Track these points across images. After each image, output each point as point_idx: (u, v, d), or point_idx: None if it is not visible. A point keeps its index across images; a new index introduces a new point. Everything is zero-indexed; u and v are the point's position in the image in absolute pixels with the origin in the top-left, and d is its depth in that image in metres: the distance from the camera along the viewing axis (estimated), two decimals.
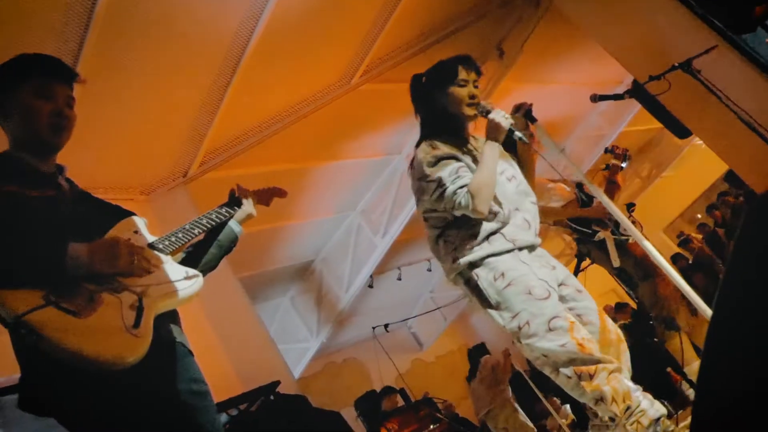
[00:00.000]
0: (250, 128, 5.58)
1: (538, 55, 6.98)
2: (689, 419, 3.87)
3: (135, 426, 1.46)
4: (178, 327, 1.74)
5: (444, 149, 2.40)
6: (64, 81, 1.76)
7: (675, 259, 9.78)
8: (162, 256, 1.69)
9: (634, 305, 10.09)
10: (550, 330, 2.17)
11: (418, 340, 11.67)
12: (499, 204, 2.37)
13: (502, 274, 2.27)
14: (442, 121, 2.53)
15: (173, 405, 1.54)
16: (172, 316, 1.71)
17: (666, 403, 5.24)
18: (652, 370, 6.23)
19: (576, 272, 6.15)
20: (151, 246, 1.70)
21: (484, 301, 2.31)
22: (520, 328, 2.22)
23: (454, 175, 2.32)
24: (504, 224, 2.35)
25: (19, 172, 1.65)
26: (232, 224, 2.05)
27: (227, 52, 4.59)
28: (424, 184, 2.40)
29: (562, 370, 2.22)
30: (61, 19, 3.59)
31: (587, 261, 6.31)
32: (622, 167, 3.88)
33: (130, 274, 1.54)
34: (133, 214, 1.82)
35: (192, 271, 1.72)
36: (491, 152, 2.34)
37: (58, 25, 3.62)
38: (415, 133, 7.71)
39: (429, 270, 10.91)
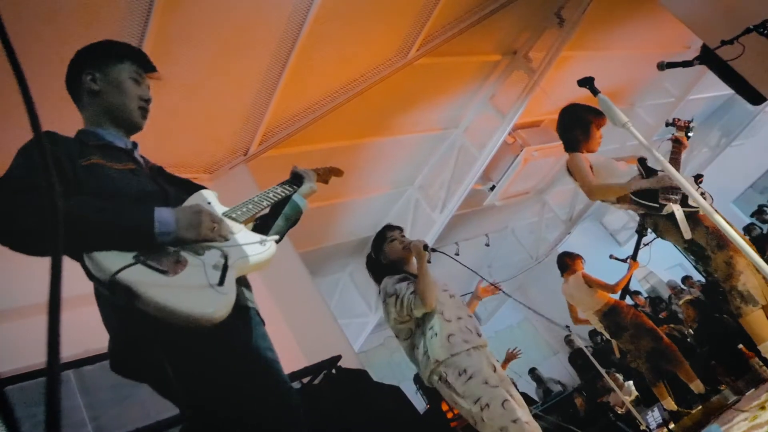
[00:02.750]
0: (309, 105, 5.62)
1: (600, 21, 6.75)
2: (763, 397, 3.74)
3: (224, 383, 1.50)
4: (251, 293, 1.80)
5: (399, 277, 3.27)
6: (148, 71, 1.92)
7: (747, 230, 9.40)
8: (236, 224, 1.77)
9: (701, 279, 9.78)
10: (505, 409, 2.81)
11: (477, 314, 11.64)
12: (448, 311, 3.11)
13: (465, 370, 2.94)
14: (393, 266, 3.36)
15: (257, 365, 1.58)
16: (244, 282, 1.77)
17: (737, 380, 5.08)
18: (724, 345, 6.05)
19: (636, 248, 6.02)
20: (225, 215, 1.78)
21: (453, 392, 2.95)
22: (482, 409, 2.84)
23: (407, 287, 3.12)
24: (455, 328, 3.04)
25: (101, 146, 1.75)
26: (297, 198, 2.14)
27: (284, 29, 4.62)
28: (389, 299, 3.16)
29: None
30: (126, 3, 3.69)
31: (649, 236, 6.14)
32: (687, 137, 3.71)
33: (211, 241, 1.60)
34: (204, 188, 1.90)
35: (266, 238, 1.80)
36: (423, 265, 3.13)
37: (122, 8, 3.72)
38: (473, 106, 7.65)
39: (487, 245, 10.82)
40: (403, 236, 3.47)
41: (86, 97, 1.83)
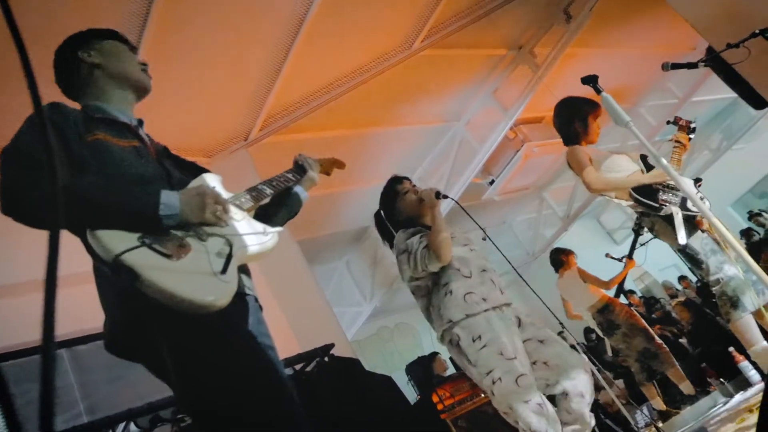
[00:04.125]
0: (311, 93, 5.60)
1: (606, 19, 6.72)
2: (751, 401, 3.76)
3: (219, 370, 1.49)
4: (250, 279, 1.78)
5: (411, 231, 2.96)
6: (131, 49, 1.96)
7: (746, 235, 9.41)
8: (239, 211, 1.76)
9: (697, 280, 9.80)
10: (518, 386, 2.53)
11: None
12: (467, 267, 2.84)
13: (479, 337, 2.66)
14: (410, 221, 3.06)
15: (253, 353, 1.56)
16: (244, 269, 1.75)
17: (726, 382, 5.12)
18: (714, 348, 6.08)
19: (632, 248, 6.04)
20: (229, 201, 1.75)
21: (464, 358, 2.71)
22: (493, 383, 2.59)
23: (419, 241, 2.83)
24: (475, 285, 2.78)
25: (106, 120, 1.74)
26: (299, 190, 2.14)
27: (289, 15, 4.60)
28: (401, 257, 2.89)
29: (521, 424, 2.52)
30: None
31: (645, 236, 6.14)
32: (688, 138, 3.72)
33: (213, 225, 1.59)
34: (208, 171, 1.89)
35: (269, 227, 1.79)
36: (437, 215, 2.89)
37: None
38: (475, 100, 7.60)
39: (484, 239, 10.83)
40: (415, 186, 3.17)
41: (85, 75, 1.82)
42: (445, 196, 3.04)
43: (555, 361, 2.71)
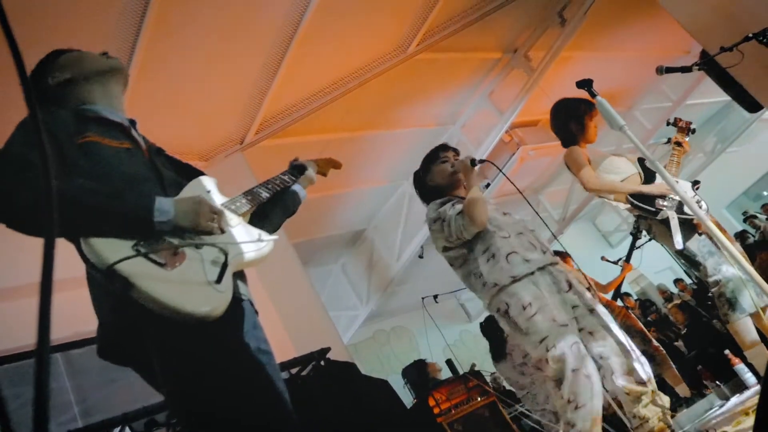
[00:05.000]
0: (306, 96, 5.60)
1: (601, 22, 6.75)
2: (747, 403, 3.77)
3: (213, 377, 1.48)
4: (246, 285, 1.77)
5: (441, 200, 2.94)
6: None
7: (741, 238, 9.42)
8: (235, 216, 1.74)
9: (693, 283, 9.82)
10: (573, 353, 2.52)
11: (467, 311, 11.67)
12: (503, 229, 2.77)
13: (530, 304, 2.61)
14: (439, 190, 3.04)
15: (247, 360, 1.55)
16: (240, 274, 1.74)
17: (722, 385, 5.13)
18: (709, 350, 6.09)
19: (630, 251, 6.04)
20: (224, 206, 1.74)
21: (514, 327, 2.66)
22: (548, 350, 2.55)
23: (452, 208, 2.80)
24: (516, 244, 2.72)
25: (97, 120, 1.73)
26: (297, 188, 2.15)
27: (285, 18, 4.60)
28: (434, 225, 2.84)
29: (566, 393, 2.51)
30: None
31: (642, 239, 6.14)
32: (685, 139, 3.73)
33: (209, 233, 1.58)
34: (204, 173, 1.87)
35: (265, 233, 1.77)
36: (471, 181, 2.85)
37: None
38: (471, 103, 7.61)
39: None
40: (457, 158, 3.11)
41: (63, 92, 1.80)
42: (482, 161, 3.02)
43: (600, 333, 2.68)
